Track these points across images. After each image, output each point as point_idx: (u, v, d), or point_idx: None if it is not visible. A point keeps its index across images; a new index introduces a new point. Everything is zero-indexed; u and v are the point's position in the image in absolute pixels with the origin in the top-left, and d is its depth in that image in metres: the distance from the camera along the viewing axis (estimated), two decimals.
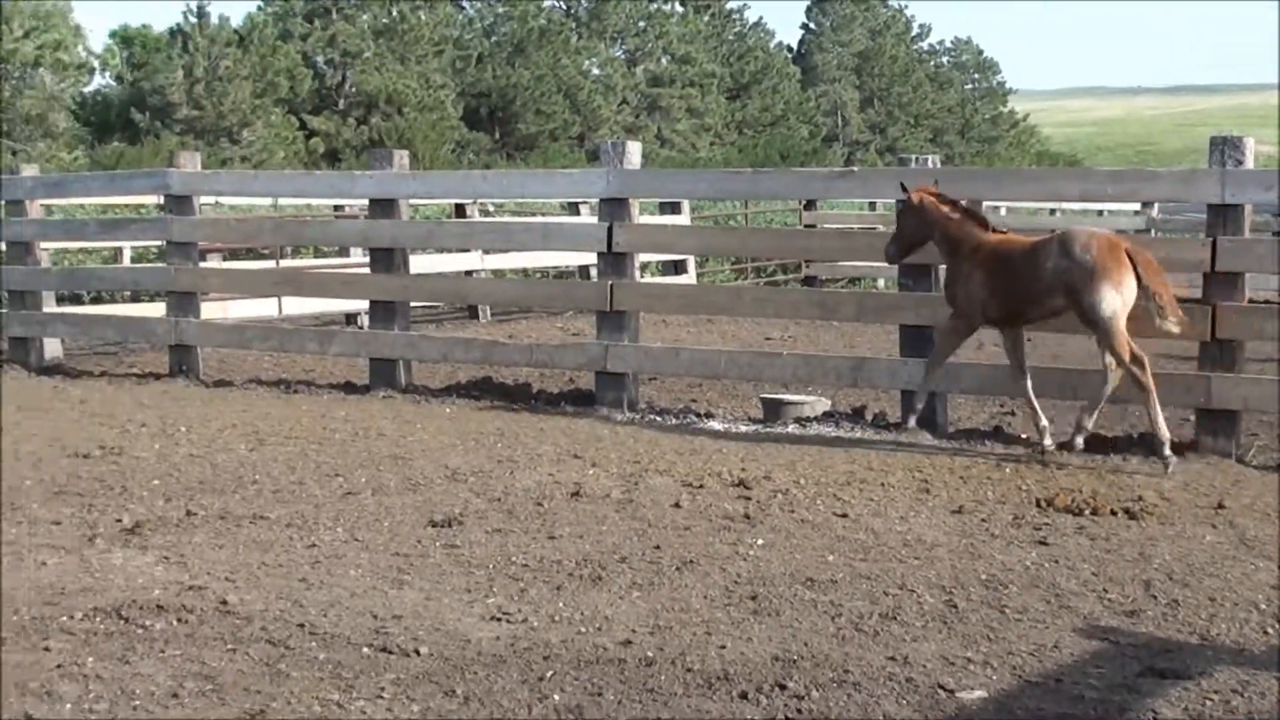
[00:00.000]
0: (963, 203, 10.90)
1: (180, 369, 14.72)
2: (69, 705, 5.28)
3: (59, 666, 5.69)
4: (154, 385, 14.28)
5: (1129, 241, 10.43)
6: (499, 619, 6.40)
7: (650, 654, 5.94)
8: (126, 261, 22.74)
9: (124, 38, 74.57)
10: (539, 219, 22.36)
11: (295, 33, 69.75)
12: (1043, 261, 10.09)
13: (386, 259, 13.80)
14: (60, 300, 17.49)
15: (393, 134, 61.94)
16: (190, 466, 9.88)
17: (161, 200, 15.97)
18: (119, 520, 8.24)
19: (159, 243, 18.10)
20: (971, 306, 10.58)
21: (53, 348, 16.36)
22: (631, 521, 8.27)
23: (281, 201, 22.09)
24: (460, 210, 22.35)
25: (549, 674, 5.70)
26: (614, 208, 12.66)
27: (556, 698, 5.45)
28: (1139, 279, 9.90)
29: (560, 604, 6.64)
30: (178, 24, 66.41)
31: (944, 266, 11.12)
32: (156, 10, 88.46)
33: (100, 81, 77.36)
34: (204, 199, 15.83)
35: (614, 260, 12.78)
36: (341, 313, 20.32)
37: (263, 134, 63.54)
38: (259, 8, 70.75)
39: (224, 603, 6.53)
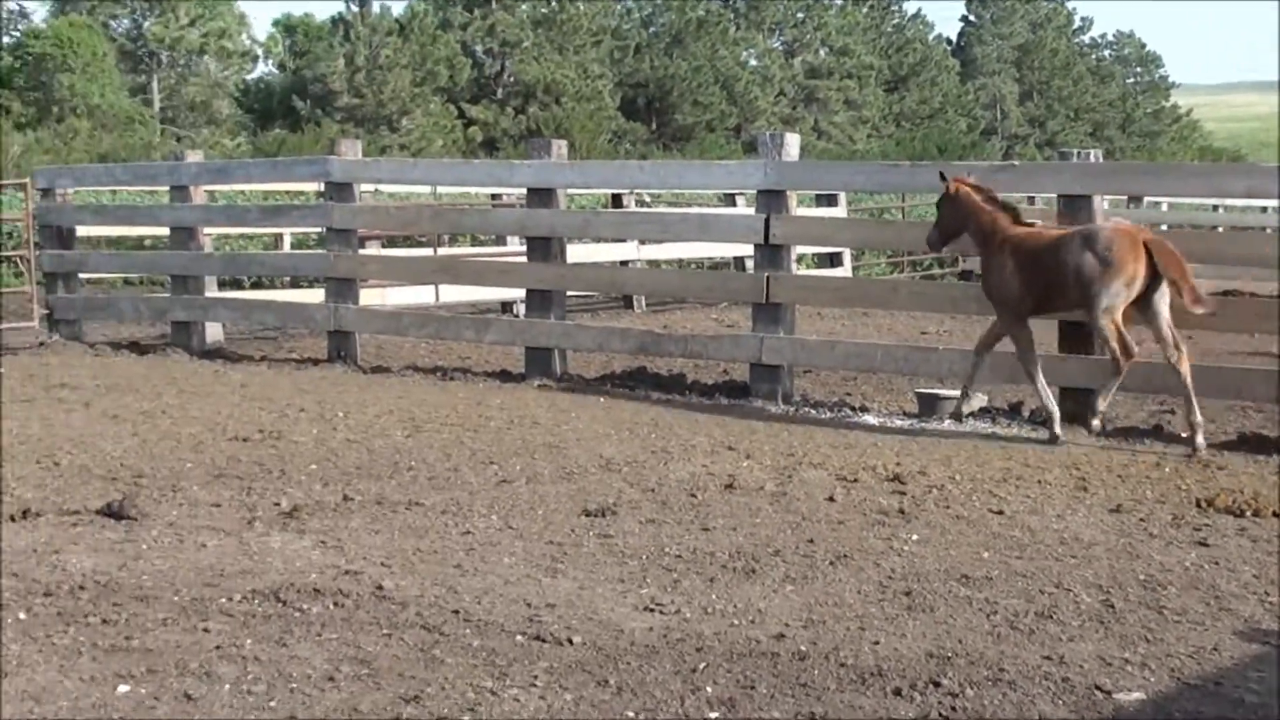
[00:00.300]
0: (997, 195, 11.13)
1: (338, 354, 14.90)
2: (227, 686, 5.34)
3: (218, 648, 5.76)
4: (312, 370, 14.47)
5: (1148, 234, 10.61)
6: (652, 610, 6.37)
7: (803, 648, 5.88)
8: (286, 247, 23.12)
9: (287, 26, 75.92)
10: (695, 210, 22.29)
11: (455, 22, 70.44)
12: (1064, 255, 10.42)
13: (544, 248, 13.85)
14: (221, 285, 17.79)
15: (550, 123, 62.29)
16: (347, 451, 9.97)
17: (322, 187, 16.17)
18: (277, 504, 8.33)
19: (318, 229, 18.34)
20: (1008, 296, 10.84)
21: (214, 332, 16.65)
22: (785, 514, 8.20)
23: (440, 190, 22.28)
24: (616, 200, 22.40)
25: (701, 666, 5.65)
26: (771, 199, 12.58)
27: (709, 690, 5.41)
28: (1156, 271, 10.24)
29: (713, 596, 6.60)
30: (339, 13, 67.41)
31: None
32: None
33: (263, 69, 79.05)
34: (364, 186, 15.98)
35: (770, 252, 12.70)
36: (498, 301, 20.46)
37: (421, 122, 64.26)
38: None
39: (380, 588, 6.57)
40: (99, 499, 8.37)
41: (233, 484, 8.89)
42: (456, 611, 6.25)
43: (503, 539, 7.59)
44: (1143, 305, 10.43)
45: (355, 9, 66.71)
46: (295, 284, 18.64)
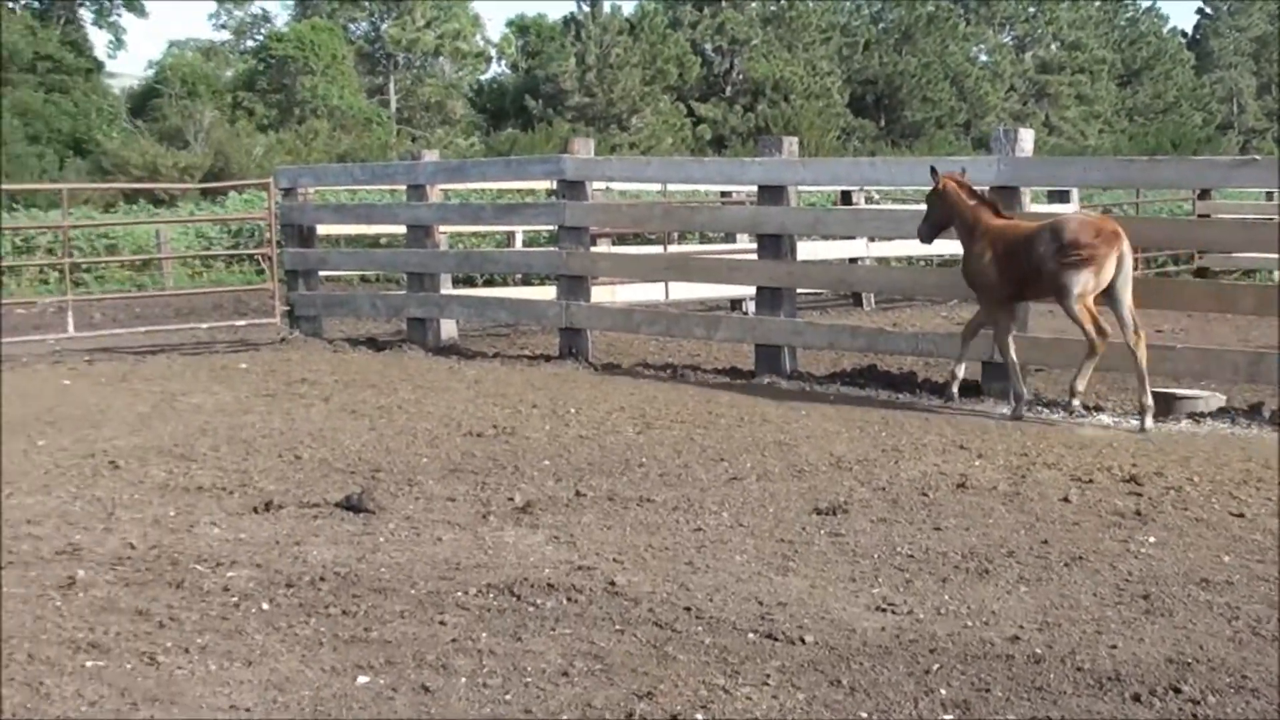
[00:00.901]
0: (981, 190, 12.01)
1: (570, 351, 15.04)
2: (464, 679, 5.41)
3: (454, 641, 5.84)
4: (544, 366, 14.62)
5: (1114, 223, 11.44)
6: (884, 609, 6.30)
7: (1038, 651, 5.76)
8: (518, 245, 23.41)
9: (520, 27, 76.99)
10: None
11: (685, 20, 70.69)
12: (1037, 246, 11.16)
13: (774, 245, 13.82)
14: (455, 283, 18.08)
15: (779, 120, 62.15)
16: (579, 447, 10.06)
17: (554, 185, 16.33)
18: (511, 499, 8.43)
19: (550, 227, 18.54)
20: (986, 283, 11.66)
21: (449, 328, 16.93)
22: (1019, 515, 8.05)
23: (668, 187, 22.36)
24: (846, 197, 22.24)
25: (935, 667, 5.58)
26: (1004, 196, 12.36)
27: (943, 692, 5.33)
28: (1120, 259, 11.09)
29: (946, 596, 6.51)
30: (571, 13, 68.11)
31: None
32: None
33: (496, 69, 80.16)
34: (594, 184, 16.09)
35: None
36: (726, 299, 20.46)
37: (651, 121, 64.64)
38: None
39: (612, 584, 6.61)
40: (338, 492, 8.57)
41: (467, 479, 9.03)
42: (688, 608, 6.26)
43: (733, 536, 7.59)
44: (1106, 291, 11.11)
45: (587, 9, 67.34)
46: (527, 281, 18.85)
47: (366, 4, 76.99)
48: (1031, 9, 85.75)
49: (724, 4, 70.76)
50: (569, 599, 6.38)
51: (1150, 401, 11.05)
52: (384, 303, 17.79)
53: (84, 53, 69.41)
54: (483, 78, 79.49)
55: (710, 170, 17.64)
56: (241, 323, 18.53)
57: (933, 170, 12.14)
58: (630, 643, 5.83)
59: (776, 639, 5.89)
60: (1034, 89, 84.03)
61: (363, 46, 76.68)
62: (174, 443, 10.32)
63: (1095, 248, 10.99)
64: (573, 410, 11.65)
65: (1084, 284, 10.98)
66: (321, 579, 6.72)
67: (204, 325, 18.42)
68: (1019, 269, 11.35)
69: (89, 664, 5.62)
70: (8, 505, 8.45)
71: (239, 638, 5.90)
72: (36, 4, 70.43)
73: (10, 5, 68.10)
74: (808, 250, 19.43)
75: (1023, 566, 6.98)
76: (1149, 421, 10.99)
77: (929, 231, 12.39)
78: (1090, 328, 11.08)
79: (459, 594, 6.47)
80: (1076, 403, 11.49)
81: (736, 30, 70.24)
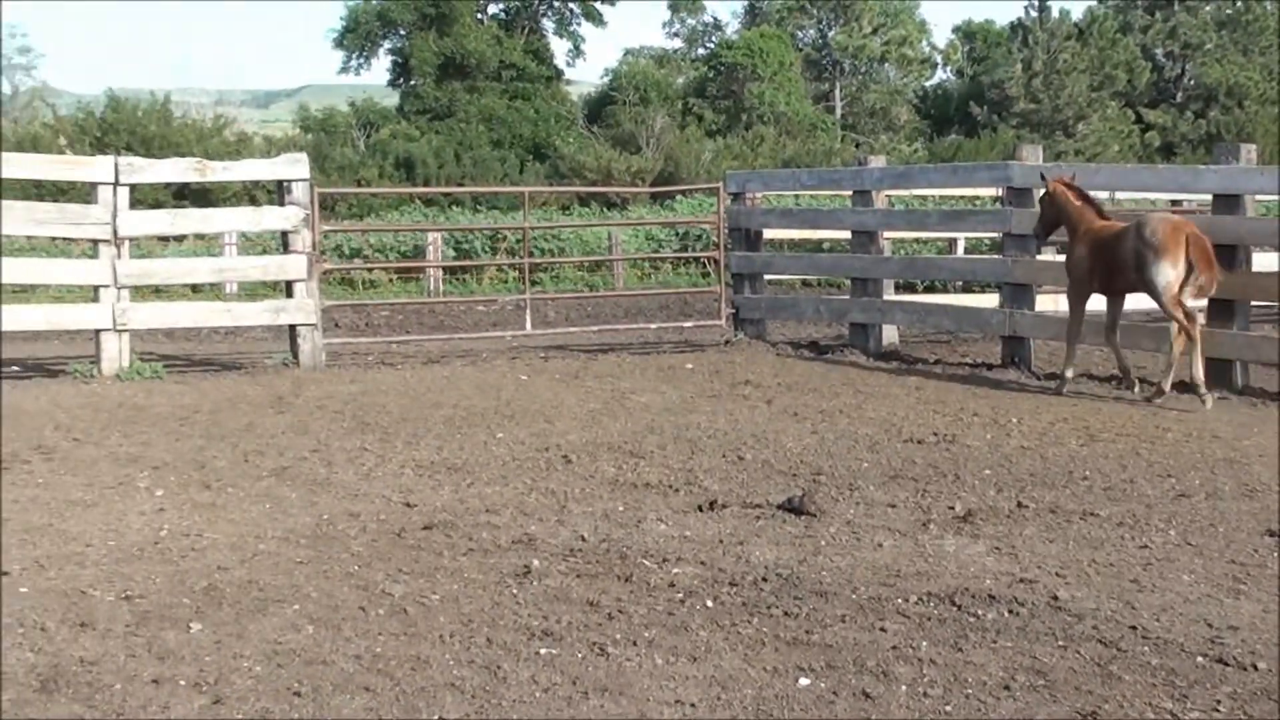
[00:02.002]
0: (1088, 194, 13.36)
1: (1012, 360, 14.84)
2: (904, 687, 5.43)
3: (894, 648, 5.87)
4: (986, 375, 14.46)
5: (1191, 226, 12.53)
6: None
7: None
8: (959, 252, 23.18)
9: (966, 32, 76.22)
10: None
11: (1135, 25, 68.60)
12: (1124, 242, 12.52)
13: (1228, 256, 13.31)
14: (895, 288, 18.07)
15: (1231, 127, 59.66)
16: (1021, 458, 9.94)
17: (1000, 192, 16.12)
18: (951, 507, 8.40)
19: (992, 235, 18.30)
20: (1080, 276, 13.12)
21: (889, 334, 16.94)
22: None
23: (1117, 195, 21.76)
24: None
25: None
26: None
27: None
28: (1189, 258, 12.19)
29: None
30: (1019, 18, 66.89)
31: None
32: (999, 5, 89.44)
33: (941, 75, 79.47)
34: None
35: None
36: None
37: (1098, 127, 63.00)
38: (1099, 0, 70.04)
39: (1055, 598, 6.51)
40: (780, 494, 8.70)
41: (908, 485, 9.04)
42: (1134, 627, 6.11)
43: (1181, 555, 7.37)
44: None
45: (1034, 14, 66.13)
46: (967, 288, 18.67)
47: (815, 11, 77.50)
48: None
49: (1177, 7, 68.34)
50: (1011, 611, 6.32)
51: (1201, 378, 12.38)
52: (827, 307, 17.91)
53: (545, 61, 72.17)
54: (928, 83, 78.99)
55: (1163, 177, 17.13)
56: (688, 324, 18.94)
57: (1041, 175, 13.80)
58: (1073, 659, 5.73)
59: (1227, 664, 5.69)
60: None
61: (810, 53, 77.21)
62: (623, 439, 10.67)
63: (1171, 244, 12.15)
64: (1014, 420, 11.51)
65: (1165, 274, 12.18)
66: (764, 579, 6.84)
67: (652, 325, 18.91)
68: (1110, 263, 12.69)
69: (543, 651, 5.87)
70: (469, 494, 8.91)
71: (684, 633, 6.07)
72: (503, 15, 73.56)
73: (480, 17, 71.31)
74: (1264, 261, 18.60)
75: None
76: (1204, 390, 12.37)
77: (1042, 231, 13.87)
78: (1180, 316, 12.31)
79: (899, 601, 6.49)
80: (1204, 391, 12.36)
81: (1189, 34, 67.71)
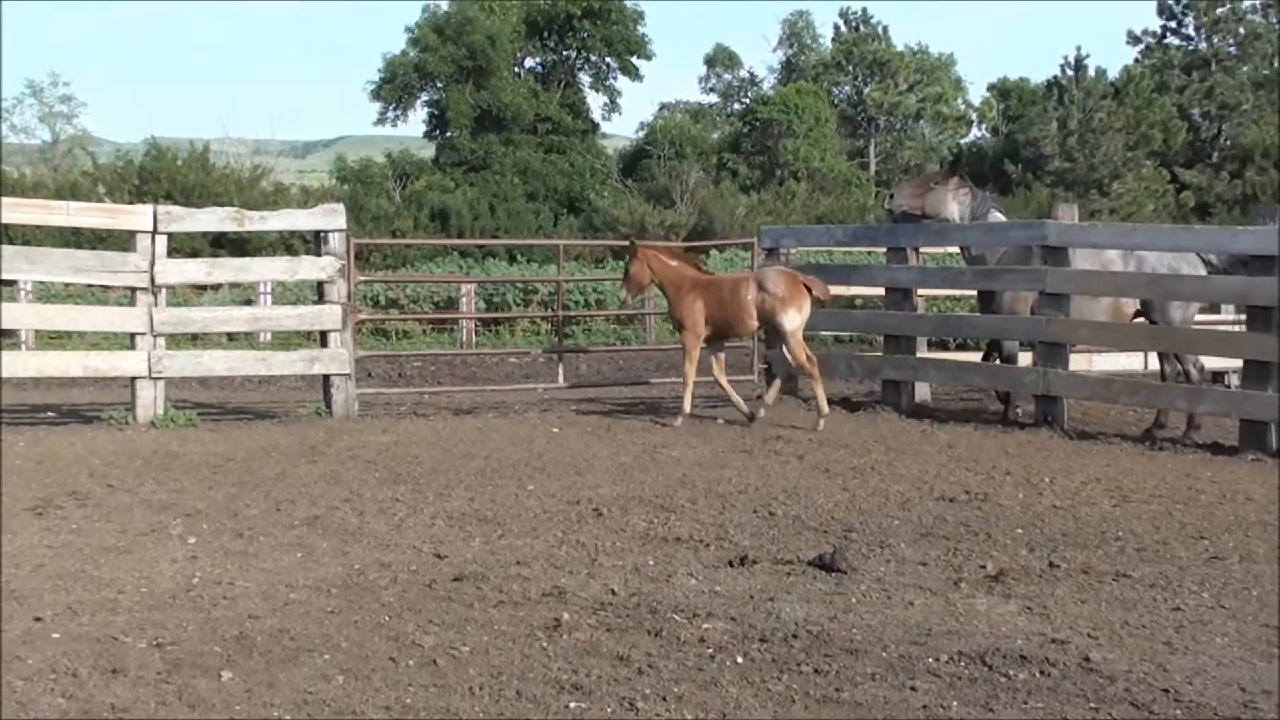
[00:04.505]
0: (679, 252, 15.90)
1: (1045, 419, 14.80)
2: None
3: (924, 707, 5.85)
4: (1018, 433, 14.43)
5: (800, 275, 15.25)
6: None
7: None
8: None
9: (1001, 90, 76.28)
10: None
11: (1172, 85, 68.59)
12: (744, 294, 14.71)
13: (1265, 318, 13.28)
14: (928, 345, 18.06)
15: (1267, 188, 59.51)
16: (1053, 517, 9.91)
17: (1034, 251, 16.10)
18: (983, 566, 8.38)
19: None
20: (694, 323, 14.97)
21: (922, 391, 16.92)
22: None
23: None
24: None
25: None
26: None
27: None
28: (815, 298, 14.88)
29: None
30: (1054, 76, 66.91)
31: None
32: (1035, 63, 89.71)
33: (976, 133, 79.53)
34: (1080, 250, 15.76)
35: None
36: (1210, 370, 19.69)
37: (1132, 186, 62.87)
38: (1135, 60, 70.09)
39: (1087, 659, 6.48)
40: (811, 550, 8.70)
41: (939, 543, 9.02)
42: (1166, 690, 6.09)
43: (1214, 618, 7.33)
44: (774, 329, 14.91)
45: (1070, 73, 66.16)
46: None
47: (850, 68, 77.73)
48: None
49: (1214, 68, 68.29)
50: (1042, 672, 6.29)
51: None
52: (859, 364, 17.89)
53: (581, 115, 72.46)
54: (962, 141, 79.06)
55: (1199, 238, 17.03)
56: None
57: (631, 241, 16.45)
58: None
59: None
60: None
61: (845, 109, 77.39)
62: (654, 493, 10.68)
63: (794, 292, 14.69)
64: (1047, 479, 11.48)
65: (793, 320, 14.70)
66: (794, 636, 6.84)
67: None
68: (726, 313, 14.86)
69: (572, 705, 5.88)
70: (500, 545, 8.93)
71: (714, 689, 6.07)
72: (540, 68, 73.96)
73: (516, 70, 71.72)
74: None
75: None
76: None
77: (634, 291, 15.80)
78: (802, 356, 14.77)
79: (930, 660, 6.47)
80: (822, 423, 14.39)
81: (1226, 95, 67.62)
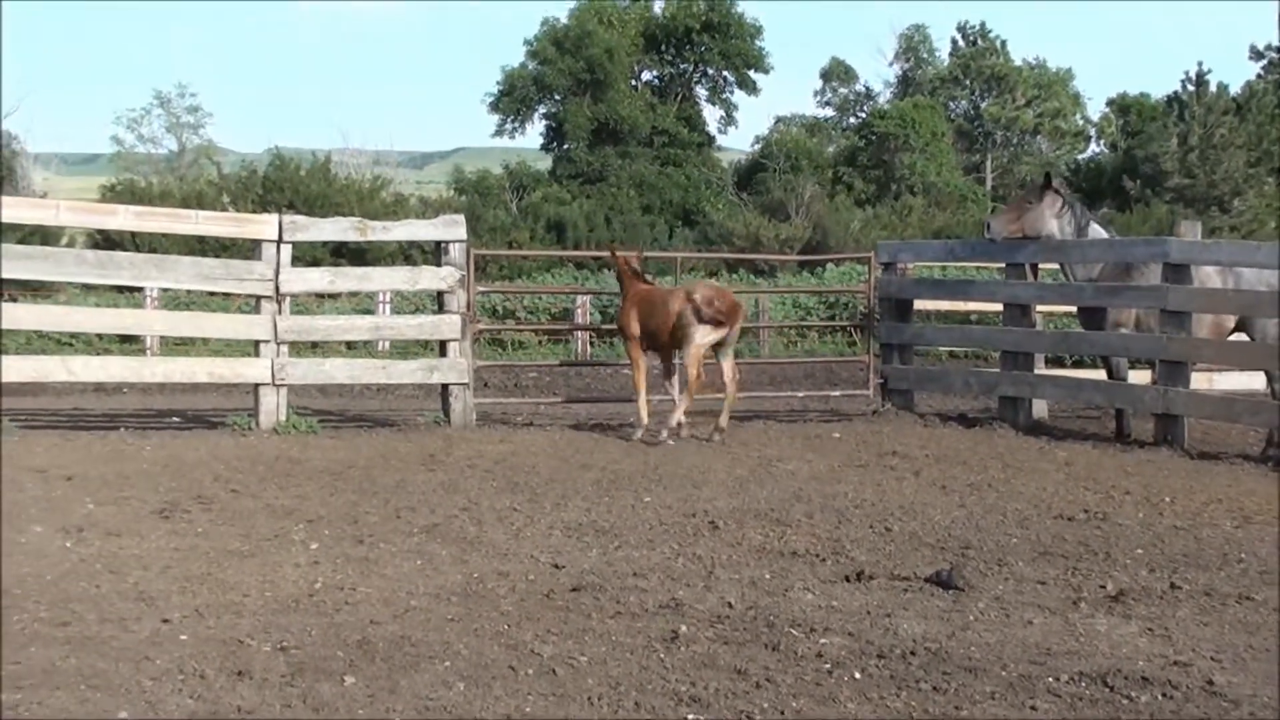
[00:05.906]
0: (634, 264, 15.88)
1: (1165, 438, 14.63)
2: None
3: None
4: (1138, 452, 14.28)
5: (729, 293, 15.33)
6: None
7: None
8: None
9: (1121, 106, 75.42)
10: None
11: None
12: (672, 305, 14.75)
13: None
14: (1045, 362, 17.92)
15: None
16: (1174, 538, 9.81)
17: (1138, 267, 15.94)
18: (1103, 586, 8.31)
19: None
20: (633, 332, 15.13)
21: (1039, 408, 16.78)
22: None
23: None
24: None
25: None
26: None
27: None
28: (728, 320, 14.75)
29: None
30: (1175, 92, 66.09)
31: None
32: (1155, 78, 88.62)
33: (1094, 149, 78.70)
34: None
35: None
36: None
37: (1254, 203, 61.94)
38: (1258, 75, 69.07)
39: (1210, 682, 6.42)
40: (928, 566, 8.67)
41: (1058, 562, 8.96)
42: None
43: None
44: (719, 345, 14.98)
45: (1191, 88, 65.29)
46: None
47: (968, 82, 77.26)
48: None
49: None
50: (1165, 695, 6.24)
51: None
52: (976, 380, 17.77)
53: (697, 128, 72.63)
54: (1080, 156, 78.23)
55: None
56: (835, 393, 18.86)
57: (612, 252, 16.86)
58: None
59: None
60: None
61: (962, 124, 76.95)
62: (770, 507, 10.69)
63: (713, 310, 14.60)
64: (1167, 499, 11.36)
65: (703, 336, 14.65)
66: (912, 653, 6.82)
67: (798, 394, 18.87)
68: (656, 323, 14.89)
69: (690, 717, 5.92)
70: (616, 556, 8.98)
71: (832, 705, 6.07)
72: (657, 82, 74.20)
73: (634, 83, 72.00)
74: None
75: None
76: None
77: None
78: (695, 370, 14.76)
79: (1050, 680, 6.43)
80: (665, 434, 14.55)
81: None
